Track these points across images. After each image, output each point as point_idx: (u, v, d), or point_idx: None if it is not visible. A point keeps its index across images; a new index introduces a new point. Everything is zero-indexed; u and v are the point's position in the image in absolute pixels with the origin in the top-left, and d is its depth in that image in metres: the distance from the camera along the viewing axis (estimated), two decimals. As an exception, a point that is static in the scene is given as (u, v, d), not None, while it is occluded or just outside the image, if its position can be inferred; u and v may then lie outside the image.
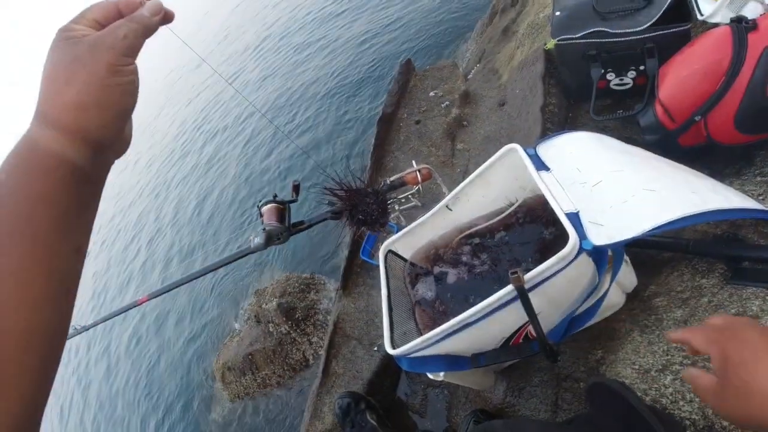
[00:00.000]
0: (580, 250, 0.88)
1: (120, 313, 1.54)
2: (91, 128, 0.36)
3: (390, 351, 1.06)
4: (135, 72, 0.38)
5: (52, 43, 0.37)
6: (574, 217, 0.94)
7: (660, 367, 0.91)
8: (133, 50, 0.38)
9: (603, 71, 1.56)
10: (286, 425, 2.81)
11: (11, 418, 0.31)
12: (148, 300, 1.44)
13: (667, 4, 1.41)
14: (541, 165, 1.12)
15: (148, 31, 0.39)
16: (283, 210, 1.27)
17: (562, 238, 1.23)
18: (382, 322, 1.66)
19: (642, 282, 1.12)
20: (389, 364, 1.59)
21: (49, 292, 0.34)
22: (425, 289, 1.34)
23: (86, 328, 1.60)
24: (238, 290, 3.88)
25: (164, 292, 1.43)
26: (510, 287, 0.90)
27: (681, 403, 0.83)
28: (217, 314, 3.84)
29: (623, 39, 1.47)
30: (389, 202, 1.08)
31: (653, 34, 1.42)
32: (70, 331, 1.70)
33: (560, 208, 0.96)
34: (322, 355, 1.68)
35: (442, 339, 1.02)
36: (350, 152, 3.53)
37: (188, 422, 3.38)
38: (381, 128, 1.95)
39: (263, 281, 3.74)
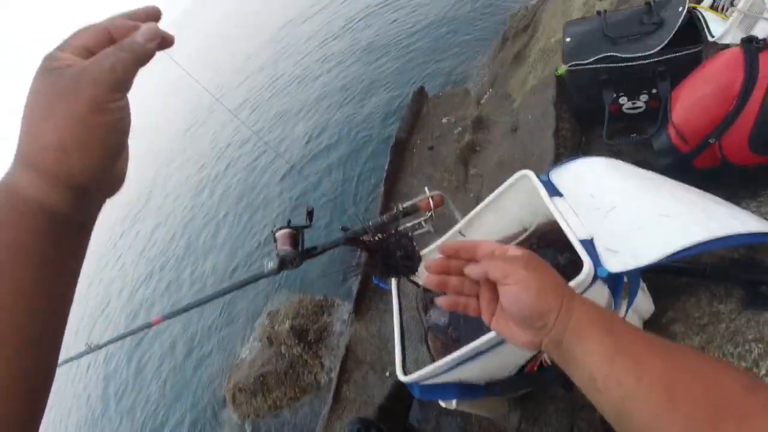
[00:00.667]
0: (595, 277, 0.88)
1: (133, 333, 1.57)
2: (74, 172, 0.32)
3: (402, 378, 1.05)
4: (124, 108, 0.34)
5: (36, 73, 0.32)
6: (589, 244, 0.94)
7: (680, 399, 0.89)
8: (122, 84, 0.33)
9: (615, 95, 1.56)
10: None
11: None
12: (162, 321, 1.46)
13: (677, 26, 1.42)
14: (554, 191, 1.12)
15: (142, 60, 0.34)
16: (296, 235, 1.29)
17: (576, 265, 1.23)
18: (394, 347, 1.66)
19: (660, 308, 1.10)
20: (401, 390, 1.57)
21: (31, 342, 0.31)
22: (438, 315, 1.33)
23: (99, 347, 1.62)
24: (251, 311, 3.90)
25: (178, 314, 1.45)
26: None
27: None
28: (229, 335, 3.84)
29: (634, 63, 1.48)
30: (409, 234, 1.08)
31: (664, 57, 1.43)
32: (83, 348, 1.72)
33: (574, 234, 0.95)
34: (333, 379, 1.67)
35: (456, 366, 1.00)
36: (362, 177, 3.57)
37: None
38: (394, 155, 1.98)
39: (276, 303, 3.75)
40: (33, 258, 0.31)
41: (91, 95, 0.31)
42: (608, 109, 1.56)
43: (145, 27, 0.34)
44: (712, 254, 1.11)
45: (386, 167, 1.95)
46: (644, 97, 1.54)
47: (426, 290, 1.42)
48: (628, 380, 0.39)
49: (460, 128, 1.97)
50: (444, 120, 2.06)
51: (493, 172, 1.79)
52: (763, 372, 0.79)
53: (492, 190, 1.74)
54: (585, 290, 0.89)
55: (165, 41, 0.36)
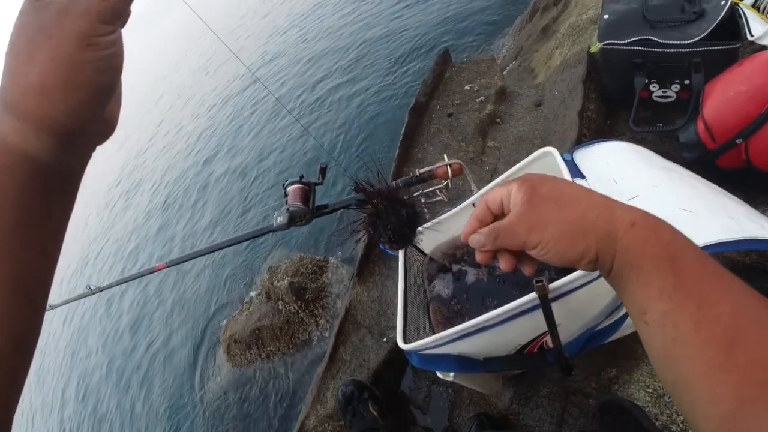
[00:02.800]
0: (610, 266, 0.85)
1: (136, 278, 1.57)
2: (57, 116, 0.28)
3: (402, 345, 1.05)
4: (116, 43, 0.29)
5: (22, 5, 0.28)
6: (607, 231, 0.91)
7: (679, 394, 0.88)
8: (116, 14, 0.28)
9: (647, 81, 1.50)
10: (285, 402, 2.85)
11: None
12: (166, 267, 1.46)
13: (719, 19, 1.35)
14: (576, 172, 1.08)
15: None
16: (308, 191, 1.26)
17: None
18: (394, 313, 1.66)
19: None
20: (397, 357, 1.59)
21: (10, 301, 0.30)
22: (442, 287, 1.32)
23: (101, 289, 1.63)
24: (252, 265, 3.94)
25: (182, 262, 1.44)
26: (533, 295, 0.87)
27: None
28: (229, 287, 3.90)
29: (671, 50, 1.42)
30: (416, 195, 1.05)
31: (702, 48, 1.38)
32: (84, 290, 1.74)
33: (593, 219, 0.92)
34: (331, 339, 1.69)
35: (457, 339, 1.00)
36: (379, 139, 3.50)
37: (189, 388, 3.47)
38: (412, 118, 1.91)
39: (277, 258, 3.78)
40: (13, 209, 0.29)
41: (80, 27, 0.27)
42: (638, 94, 1.50)
43: None
44: (723, 256, 1.08)
45: (402, 130, 1.89)
46: (676, 87, 1.48)
47: (432, 260, 1.41)
48: (686, 324, 0.35)
49: (482, 97, 1.89)
50: (467, 87, 1.98)
51: (511, 146, 1.74)
52: None
53: (508, 165, 1.70)
54: (598, 278, 0.87)
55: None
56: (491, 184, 1.23)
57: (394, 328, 1.63)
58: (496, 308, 1.23)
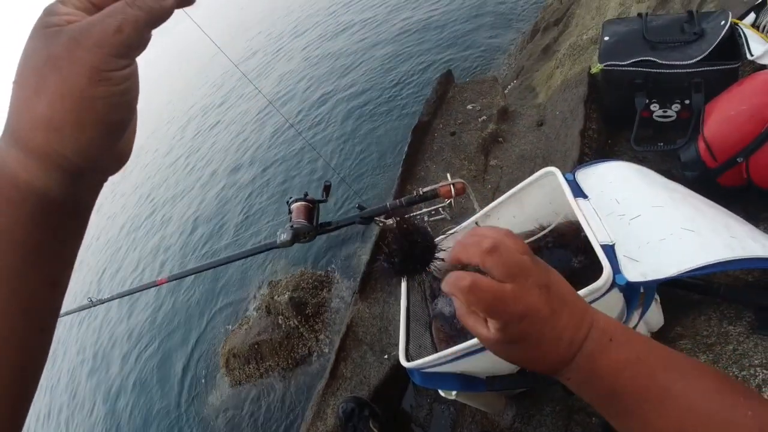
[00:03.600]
0: (613, 285, 0.86)
1: (137, 291, 1.57)
2: (66, 152, 0.27)
3: (404, 363, 1.05)
4: (131, 77, 0.28)
5: (32, 31, 0.27)
6: (609, 250, 0.92)
7: (684, 415, 0.88)
8: (131, 48, 0.27)
9: (647, 101, 1.53)
10: (283, 418, 2.81)
11: None
12: (167, 282, 1.47)
13: (719, 39, 1.38)
14: (579, 191, 1.10)
15: (157, 19, 0.28)
16: (312, 209, 1.28)
17: (590, 269, 1.21)
18: (395, 330, 1.66)
19: (668, 322, 1.09)
20: (398, 374, 1.58)
21: (16, 331, 0.29)
22: (445, 304, 1.32)
23: (102, 302, 1.63)
24: (252, 279, 3.93)
25: (184, 276, 1.45)
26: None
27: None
28: (229, 300, 3.89)
29: (671, 71, 1.45)
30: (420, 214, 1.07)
31: (702, 69, 1.40)
32: (85, 302, 1.74)
33: (596, 238, 0.93)
34: (332, 356, 1.68)
35: (460, 358, 1.00)
36: (382, 156, 3.53)
37: (186, 402, 3.43)
38: (415, 136, 1.94)
39: (278, 273, 3.78)
40: (22, 243, 0.28)
41: (91, 62, 0.25)
42: (639, 113, 1.52)
43: None
44: (726, 274, 1.09)
45: (405, 149, 1.91)
46: (676, 107, 1.51)
47: (435, 278, 1.41)
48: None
49: (484, 117, 1.92)
50: (469, 107, 2.01)
51: (513, 165, 1.76)
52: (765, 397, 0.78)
53: (510, 183, 1.72)
54: (601, 296, 0.87)
55: None
56: (495, 203, 1.25)
57: (395, 345, 1.63)
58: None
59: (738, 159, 1.20)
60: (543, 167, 1.70)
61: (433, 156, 1.92)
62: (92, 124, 0.27)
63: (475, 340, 0.95)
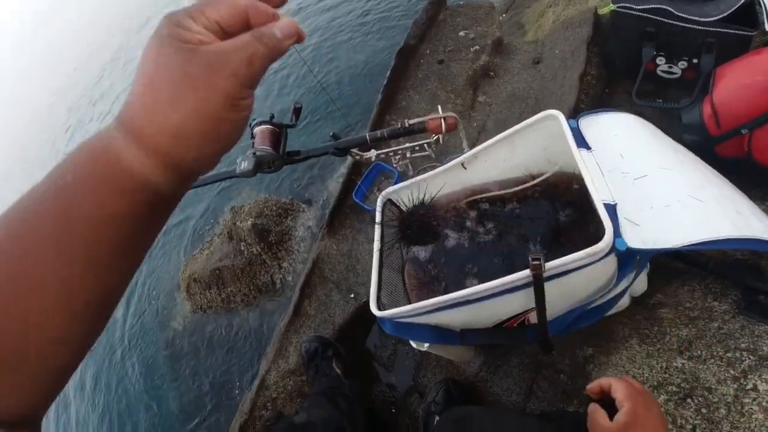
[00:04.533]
0: (612, 249, 0.79)
1: None
2: (188, 159, 0.30)
3: (375, 312, 0.97)
4: (251, 105, 0.31)
5: (157, 34, 0.28)
6: (611, 210, 0.84)
7: (655, 383, 0.87)
8: (256, 80, 0.30)
9: (655, 53, 1.41)
10: (245, 346, 2.80)
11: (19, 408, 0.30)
12: None
13: (740, 3, 1.27)
14: (582, 141, 0.99)
15: (277, 56, 0.31)
16: (279, 134, 1.11)
17: (577, 224, 1.15)
18: (364, 270, 1.59)
19: (650, 288, 1.06)
20: (364, 314, 1.53)
21: (89, 309, 0.30)
22: (419, 249, 1.24)
23: None
24: (214, 204, 3.73)
25: None
26: (526, 272, 0.80)
27: (669, 426, 0.80)
28: (189, 225, 3.71)
29: (687, 25, 1.33)
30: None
31: (719, 29, 1.30)
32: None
33: (598, 195, 0.84)
34: (296, 292, 1.61)
35: (436, 311, 0.93)
36: (360, 80, 3.23)
37: (148, 328, 3.37)
38: (399, 61, 1.74)
39: (241, 198, 3.60)
40: (119, 231, 0.29)
41: (226, 90, 0.28)
42: (645, 65, 1.41)
43: (286, 21, 0.31)
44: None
45: (388, 73, 1.71)
46: (683, 64, 1.41)
47: (411, 215, 1.32)
48: None
49: (477, 47, 1.73)
50: (461, 33, 1.81)
51: (503, 104, 1.62)
52: (749, 386, 0.76)
53: (498, 123, 1.59)
54: (595, 261, 0.81)
55: (299, 38, 0.33)
56: (486, 144, 1.13)
57: (362, 284, 1.57)
58: (476, 275, 1.18)
59: (743, 130, 1.14)
60: (535, 109, 1.59)
61: (417, 85, 1.73)
62: (217, 140, 0.30)
63: (455, 294, 0.88)
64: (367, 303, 1.52)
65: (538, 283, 0.81)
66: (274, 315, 2.68)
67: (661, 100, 1.43)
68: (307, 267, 1.66)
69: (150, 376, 3.13)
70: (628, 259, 0.84)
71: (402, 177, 1.56)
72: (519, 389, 1.14)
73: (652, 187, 0.88)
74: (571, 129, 0.99)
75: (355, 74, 3.38)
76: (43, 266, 0.28)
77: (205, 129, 0.29)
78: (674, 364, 0.89)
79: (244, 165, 1.02)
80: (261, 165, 1.04)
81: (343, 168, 2.88)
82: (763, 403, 0.72)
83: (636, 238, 0.80)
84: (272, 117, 1.09)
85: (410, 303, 1.16)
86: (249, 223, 3.24)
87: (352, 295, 1.55)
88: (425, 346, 1.02)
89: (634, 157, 0.94)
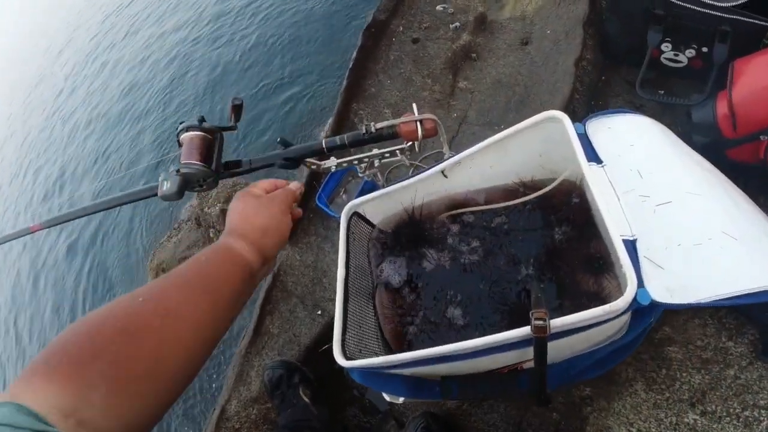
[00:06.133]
0: (633, 303, 0.63)
1: (7, 241, 1.17)
2: (268, 245, 0.57)
3: (341, 362, 0.81)
4: (297, 213, 0.67)
5: (240, 194, 0.62)
6: (631, 249, 0.67)
7: (668, 442, 0.74)
8: (289, 206, 0.64)
9: (661, 38, 1.23)
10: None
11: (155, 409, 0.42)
12: (42, 229, 1.06)
13: None
14: (591, 153, 0.82)
15: (295, 197, 0.67)
16: (211, 142, 0.87)
17: (575, 243, 0.99)
18: (330, 283, 1.40)
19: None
20: (331, 332, 1.36)
21: (207, 339, 0.47)
22: (392, 272, 1.07)
23: None
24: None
25: (63, 222, 1.06)
26: (526, 331, 0.64)
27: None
28: (156, 214, 3.46)
29: (701, 9, 1.15)
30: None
31: (735, 17, 1.13)
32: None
33: (616, 229, 0.68)
34: (255, 310, 1.42)
35: (415, 365, 0.77)
36: (321, 63, 2.81)
37: None
38: (366, 40, 1.49)
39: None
40: (232, 286, 0.52)
41: (281, 207, 0.61)
42: (650, 51, 1.23)
43: (296, 183, 0.69)
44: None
45: (354, 54, 1.47)
46: (690, 53, 1.24)
47: (381, 233, 1.14)
48: None
49: (457, 23, 1.51)
50: (439, 8, 1.57)
51: (486, 91, 1.42)
52: None
53: (481, 113, 1.40)
54: (606, 321, 0.65)
55: (302, 189, 0.69)
56: (471, 151, 0.94)
57: (330, 300, 1.39)
58: (459, 304, 1.02)
59: (762, 136, 1.00)
60: (523, 98, 1.39)
61: (388, 68, 1.50)
62: (281, 233, 0.60)
63: (439, 348, 0.71)
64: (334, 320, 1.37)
65: (540, 343, 0.65)
66: (245, 306, 2.50)
67: (663, 92, 1.27)
68: (267, 280, 1.46)
69: None
70: (646, 314, 0.69)
71: (371, 182, 1.37)
72: (506, 426, 1.01)
73: (679, 217, 0.72)
74: (578, 136, 0.81)
75: (313, 54, 2.97)
76: (191, 305, 0.47)
77: (276, 226, 0.59)
78: (685, 419, 0.77)
79: (166, 186, 0.79)
80: (189, 183, 0.82)
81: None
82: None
83: (660, 288, 0.65)
84: (202, 120, 0.85)
85: (383, 337, 1.00)
86: (217, 208, 3.06)
87: (319, 312, 1.38)
88: (400, 400, 0.85)
89: (656, 177, 0.77)
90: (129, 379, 0.40)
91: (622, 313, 0.63)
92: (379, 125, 0.85)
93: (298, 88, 2.77)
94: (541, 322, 0.62)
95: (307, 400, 1.24)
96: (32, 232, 1.17)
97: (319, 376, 1.33)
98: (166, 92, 3.84)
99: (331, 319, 1.34)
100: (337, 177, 1.40)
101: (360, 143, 0.87)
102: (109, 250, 3.55)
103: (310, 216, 1.47)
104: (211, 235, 2.96)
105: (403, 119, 0.84)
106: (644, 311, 0.68)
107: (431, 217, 1.10)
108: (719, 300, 0.62)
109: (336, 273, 1.39)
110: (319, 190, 1.39)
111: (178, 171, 0.80)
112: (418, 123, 0.84)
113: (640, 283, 0.64)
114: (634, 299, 0.62)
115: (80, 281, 3.56)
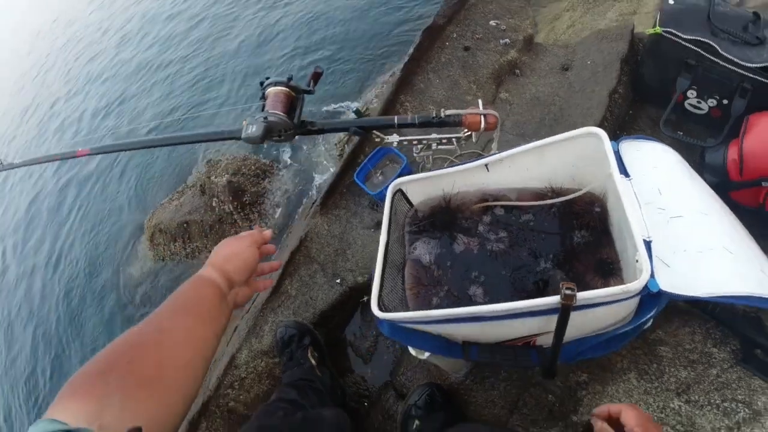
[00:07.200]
0: (644, 289, 0.75)
1: (53, 160, 1.24)
2: (230, 270, 0.74)
3: (377, 313, 0.91)
4: (257, 256, 0.80)
5: (226, 240, 0.80)
6: (648, 247, 0.80)
7: (654, 423, 0.85)
8: (256, 243, 0.80)
9: (689, 85, 1.37)
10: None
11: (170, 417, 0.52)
12: (89, 155, 1.14)
13: None
14: (621, 167, 0.94)
15: (264, 238, 0.83)
16: (294, 99, 0.99)
17: (591, 247, 1.11)
18: (354, 255, 1.51)
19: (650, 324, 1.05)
20: (347, 301, 1.47)
21: (198, 347, 0.61)
22: (424, 251, 1.17)
23: (13, 166, 1.28)
24: (190, 154, 3.51)
25: (111, 151, 1.15)
26: (556, 299, 0.75)
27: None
28: (161, 172, 3.52)
29: (728, 65, 1.30)
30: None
31: (757, 76, 1.27)
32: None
33: (638, 230, 0.80)
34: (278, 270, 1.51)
35: (444, 322, 0.88)
36: (377, 53, 3.05)
37: (108, 271, 3.20)
38: (424, 39, 1.62)
39: (219, 153, 3.40)
40: (210, 304, 0.68)
41: (247, 241, 0.78)
42: (677, 95, 1.38)
43: (268, 231, 0.86)
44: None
45: (410, 51, 1.60)
46: (712, 102, 1.39)
47: (417, 213, 1.25)
48: None
49: (507, 40, 1.64)
50: (492, 23, 1.71)
51: (524, 105, 1.55)
52: None
53: (517, 125, 1.52)
54: (626, 299, 0.77)
55: (268, 249, 0.85)
56: (515, 150, 1.06)
57: (350, 270, 1.50)
58: (481, 284, 1.13)
59: (763, 182, 1.14)
60: (557, 118, 1.53)
61: (438, 68, 1.63)
62: (244, 262, 0.76)
63: (471, 308, 0.82)
64: (352, 290, 1.47)
65: (565, 312, 0.76)
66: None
67: (681, 133, 1.41)
68: (293, 243, 1.56)
69: (97, 318, 3.01)
70: (652, 301, 0.81)
71: (410, 165, 1.48)
72: (504, 403, 1.12)
73: (688, 229, 0.84)
74: (614, 151, 0.94)
75: (376, 45, 3.18)
76: (179, 321, 0.62)
77: (237, 257, 0.75)
78: (671, 405, 0.89)
79: (252, 129, 0.90)
80: (271, 132, 0.93)
81: (336, 142, 2.75)
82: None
83: (666, 281, 0.77)
84: (290, 79, 0.96)
85: (407, 304, 1.10)
86: (224, 179, 3.10)
87: (338, 281, 1.47)
88: (425, 356, 0.96)
89: (672, 195, 0.90)
90: (139, 384, 0.48)
91: (635, 296, 0.75)
92: (448, 112, 0.97)
93: (361, 68, 3.06)
94: (570, 291, 0.73)
95: (313, 362, 1.31)
96: (78, 156, 1.25)
97: (326, 342, 1.42)
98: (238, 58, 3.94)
99: (349, 288, 1.45)
100: (377, 158, 1.52)
101: (427, 125, 0.99)
102: (112, 201, 3.58)
103: (342, 191, 1.58)
104: (213, 204, 3.02)
105: (470, 110, 0.96)
106: (650, 300, 0.80)
107: (465, 207, 1.21)
108: (713, 297, 0.75)
109: (360, 246, 1.51)
110: (360, 167, 1.50)
111: (265, 118, 0.91)
112: (483, 116, 0.96)
113: (652, 274, 0.76)
114: (646, 285, 0.74)
115: (73, 232, 3.57)
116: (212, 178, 3.10)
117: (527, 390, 1.11)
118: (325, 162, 2.96)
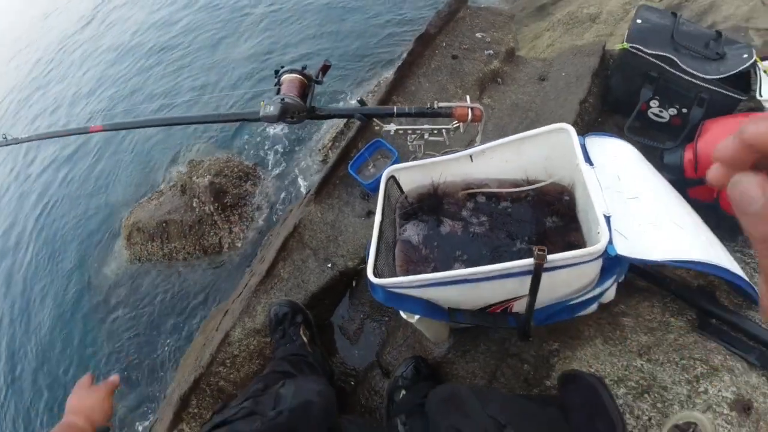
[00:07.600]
0: (603, 253, 0.87)
1: (63, 135, 1.29)
2: (97, 420, 0.92)
3: (372, 278, 1.00)
4: (110, 392, 0.98)
5: (75, 389, 0.97)
6: (607, 221, 0.93)
7: (616, 378, 0.97)
8: (109, 392, 0.98)
9: (652, 95, 1.55)
10: (180, 304, 2.68)
11: None
12: (102, 131, 1.21)
13: (740, 69, 1.43)
14: (586, 157, 1.08)
15: (114, 384, 1.00)
16: (306, 86, 1.10)
17: (561, 232, 1.24)
18: (345, 242, 1.61)
19: (614, 299, 1.17)
20: (337, 285, 1.55)
21: None
22: (413, 232, 1.28)
23: (18, 141, 1.32)
24: (172, 152, 3.51)
25: (126, 128, 1.22)
26: (530, 261, 0.87)
27: (627, 416, 0.90)
28: (142, 169, 3.48)
29: (686, 77, 1.47)
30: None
31: (713, 87, 1.45)
32: None
33: (599, 206, 0.93)
34: (271, 253, 1.59)
35: (432, 285, 0.98)
36: (370, 57, 3.22)
37: (79, 270, 3.12)
38: (417, 46, 1.76)
39: (203, 153, 3.43)
40: None
41: (103, 396, 0.98)
42: (640, 105, 1.55)
43: (115, 377, 1.02)
44: (674, 273, 1.20)
45: (404, 56, 1.74)
46: (673, 111, 1.57)
47: (407, 199, 1.35)
48: None
49: (491, 51, 1.80)
50: (478, 35, 1.87)
51: (505, 110, 1.70)
52: (701, 389, 0.88)
53: (497, 128, 1.67)
54: (590, 261, 0.89)
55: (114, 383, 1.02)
56: (496, 143, 1.19)
57: (342, 256, 1.59)
58: (464, 262, 1.24)
59: None
60: (534, 122, 1.69)
61: (428, 73, 1.77)
62: (103, 411, 0.95)
63: (458, 271, 0.93)
64: (342, 274, 1.55)
65: (537, 272, 0.88)
66: (216, 276, 2.60)
67: (645, 138, 1.58)
68: (285, 230, 1.64)
69: (70, 323, 2.92)
70: (613, 265, 0.94)
71: (399, 159, 1.60)
72: (483, 374, 1.22)
73: (642, 208, 0.98)
74: (580, 144, 1.08)
75: (369, 49, 3.35)
76: None
77: (97, 406, 0.93)
78: (634, 363, 1.00)
79: (270, 109, 1.00)
80: (286, 112, 1.03)
81: (320, 148, 2.85)
82: (713, 405, 0.84)
83: (624, 248, 0.90)
84: (304, 67, 1.07)
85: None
86: (206, 180, 3.10)
87: (329, 265, 1.56)
88: (415, 318, 1.06)
89: (629, 181, 1.04)
90: None
91: (596, 258, 0.88)
92: (441, 104, 1.10)
93: (347, 70, 3.20)
94: (541, 253, 0.85)
95: (305, 339, 1.38)
96: (91, 132, 1.31)
97: (315, 324, 1.50)
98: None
99: (340, 273, 1.54)
100: (370, 152, 1.63)
101: (421, 115, 1.11)
102: (90, 195, 3.52)
103: (336, 182, 1.68)
104: (194, 204, 3.03)
105: (460, 103, 1.09)
106: (611, 265, 0.93)
107: (451, 194, 1.33)
108: (664, 261, 0.88)
109: (351, 233, 1.60)
110: (353, 159, 1.61)
111: (282, 100, 1.01)
112: (470, 109, 1.09)
113: (610, 241, 0.89)
114: (606, 250, 0.87)
115: (43, 223, 3.50)
116: (194, 178, 3.09)
117: (504, 361, 1.21)
118: (308, 166, 3.04)
